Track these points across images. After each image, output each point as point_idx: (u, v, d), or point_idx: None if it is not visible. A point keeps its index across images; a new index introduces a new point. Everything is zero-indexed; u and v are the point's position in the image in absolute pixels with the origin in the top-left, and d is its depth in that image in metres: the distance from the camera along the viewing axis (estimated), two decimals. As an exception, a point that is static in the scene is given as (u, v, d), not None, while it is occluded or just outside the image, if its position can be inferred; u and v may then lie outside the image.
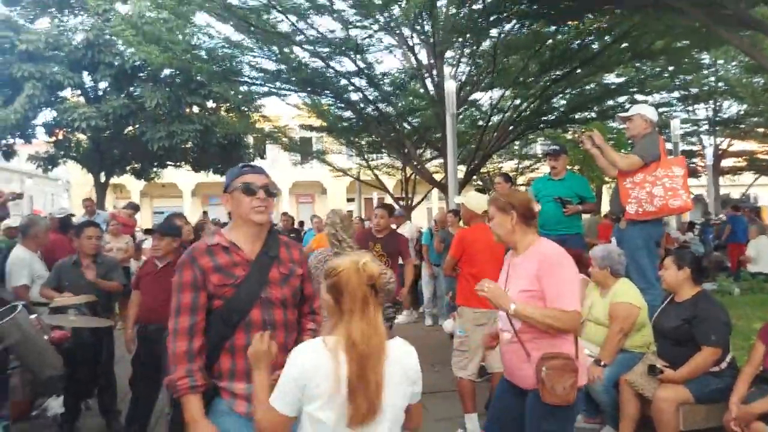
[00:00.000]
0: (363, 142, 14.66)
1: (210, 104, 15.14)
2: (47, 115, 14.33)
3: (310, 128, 14.51)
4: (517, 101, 11.70)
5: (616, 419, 3.56)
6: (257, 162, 18.87)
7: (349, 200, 27.00)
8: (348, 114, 12.78)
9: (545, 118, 12.37)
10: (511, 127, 11.76)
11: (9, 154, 14.44)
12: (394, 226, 8.42)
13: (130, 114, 13.62)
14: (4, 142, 14.00)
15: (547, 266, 2.33)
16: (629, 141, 5.05)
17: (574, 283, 2.38)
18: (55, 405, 3.56)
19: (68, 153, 15.29)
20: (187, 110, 14.42)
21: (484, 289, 2.40)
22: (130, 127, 14.56)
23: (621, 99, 12.20)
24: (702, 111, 19.11)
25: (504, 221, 2.48)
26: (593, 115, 12.51)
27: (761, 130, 18.73)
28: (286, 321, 2.06)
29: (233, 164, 14.20)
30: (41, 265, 4.42)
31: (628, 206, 4.25)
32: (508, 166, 17.80)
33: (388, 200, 15.49)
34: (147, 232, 4.56)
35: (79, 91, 14.42)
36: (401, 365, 1.68)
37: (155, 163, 16.47)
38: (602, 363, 3.60)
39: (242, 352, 1.93)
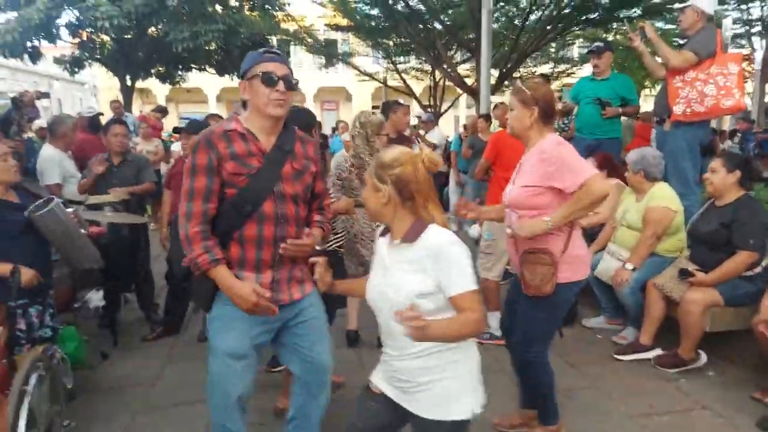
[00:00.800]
0: (391, 43, 14.04)
1: (233, 2, 14.57)
2: (70, 14, 14.02)
3: (336, 28, 13.91)
4: (558, -3, 10.88)
5: (639, 321, 3.59)
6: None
7: (375, 107, 26.46)
8: (376, 12, 12.16)
9: (587, 16, 11.53)
10: (549, 27, 11.05)
11: (35, 55, 14.30)
12: (422, 132, 8.30)
13: (153, 12, 13.21)
14: (29, 43, 13.84)
15: (546, 155, 2.29)
16: (682, 40, 4.67)
17: (577, 157, 2.31)
18: (96, 298, 3.72)
19: (93, 55, 15.12)
20: (210, 9, 13.91)
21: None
22: (154, 28, 14.19)
23: (669, -6, 11.22)
24: (756, 10, 17.54)
25: (523, 115, 2.38)
26: (638, 11, 11.59)
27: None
28: (297, 216, 2.03)
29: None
30: (71, 164, 4.46)
31: (675, 107, 4.00)
32: (543, 70, 16.93)
33: (416, 107, 15.05)
34: (176, 131, 4.51)
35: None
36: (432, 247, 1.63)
37: (180, 66, 16.22)
38: (631, 267, 3.57)
39: (252, 242, 1.94)
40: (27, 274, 2.55)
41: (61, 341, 2.89)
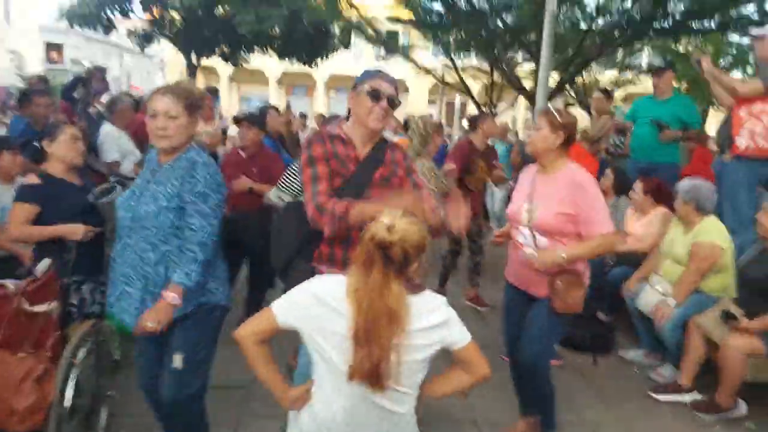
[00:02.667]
0: (450, 40, 13.91)
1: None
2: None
3: (397, 20, 13.90)
4: (628, 3, 10.50)
5: (679, 359, 3.49)
6: (341, 51, 18.59)
7: (430, 102, 26.33)
8: (438, 7, 12.08)
9: (657, 25, 11.07)
10: (616, 33, 10.68)
11: (108, 28, 14.96)
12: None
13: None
14: (104, 14, 14.47)
15: (581, 193, 2.45)
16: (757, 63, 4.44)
17: (604, 205, 2.52)
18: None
19: (162, 31, 15.66)
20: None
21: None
22: (221, 8, 14.58)
23: (749, 8, 10.61)
24: None
25: (549, 138, 2.53)
26: (713, 25, 11.04)
27: None
28: None
29: (318, 53, 14.00)
30: (129, 142, 4.66)
31: (737, 138, 3.83)
32: (607, 77, 16.38)
33: (471, 106, 14.87)
34: (236, 121, 4.64)
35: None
36: (425, 321, 1.58)
37: (243, 47, 16.59)
38: (674, 303, 3.47)
39: (340, 242, 2.13)
40: (78, 229, 2.69)
41: (111, 316, 3.08)
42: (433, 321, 1.59)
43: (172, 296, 2.04)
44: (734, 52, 10.83)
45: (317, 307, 1.58)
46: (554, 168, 2.56)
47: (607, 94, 6.09)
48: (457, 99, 19.77)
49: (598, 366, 3.84)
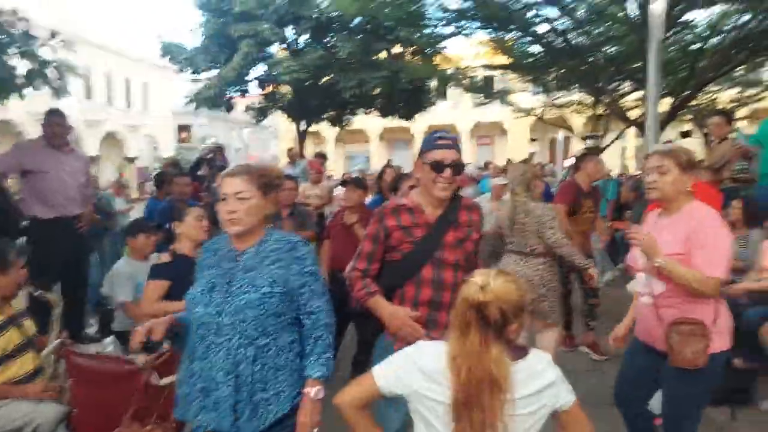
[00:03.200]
0: (550, 78, 13.70)
1: (396, 50, 15.49)
2: (259, 69, 16.13)
3: (492, 67, 14.00)
4: (745, 17, 9.71)
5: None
6: (438, 104, 18.96)
7: (532, 140, 25.81)
8: (534, 48, 12.00)
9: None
10: (733, 51, 9.88)
11: (230, 106, 16.67)
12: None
13: (326, 64, 14.65)
14: (226, 96, 16.16)
15: (696, 230, 2.25)
16: None
17: (722, 245, 2.25)
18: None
19: (275, 104, 17.10)
20: (375, 57, 14.97)
21: (637, 237, 2.31)
22: (326, 78, 15.66)
23: None
24: None
25: (681, 181, 2.34)
26: None
27: None
28: (456, 281, 2.16)
29: (417, 108, 14.46)
30: None
31: None
32: (728, 95, 15.05)
33: (575, 141, 14.41)
34: (343, 184, 4.99)
35: (284, 46, 15.86)
36: (531, 387, 1.54)
37: (347, 110, 17.58)
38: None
39: (410, 302, 2.21)
40: None
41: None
42: (539, 385, 1.54)
43: (316, 390, 1.87)
44: None
45: (418, 376, 1.56)
46: (677, 208, 2.37)
47: (726, 117, 5.62)
48: (560, 135, 19.24)
49: (736, 420, 3.46)
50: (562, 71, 12.42)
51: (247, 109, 17.97)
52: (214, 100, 15.71)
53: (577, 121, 16.47)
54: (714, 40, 10.21)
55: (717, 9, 10.21)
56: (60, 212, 4.40)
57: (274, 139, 33.94)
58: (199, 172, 6.93)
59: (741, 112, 14.29)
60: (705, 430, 3.25)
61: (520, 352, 1.57)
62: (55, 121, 4.46)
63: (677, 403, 2.36)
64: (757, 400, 3.67)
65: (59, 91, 5.82)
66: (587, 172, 4.69)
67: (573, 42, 10.66)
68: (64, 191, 4.41)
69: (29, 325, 2.81)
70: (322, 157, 10.81)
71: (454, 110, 28.72)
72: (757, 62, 13.29)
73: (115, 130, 27.57)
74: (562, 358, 3.57)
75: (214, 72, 15.58)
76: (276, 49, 16.01)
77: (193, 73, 15.89)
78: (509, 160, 12.59)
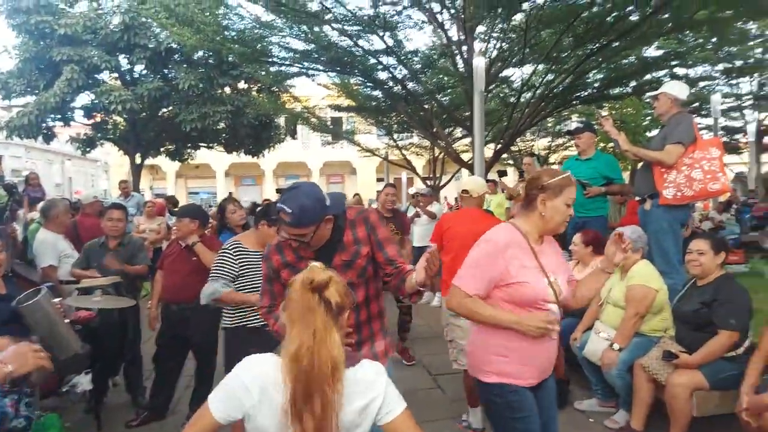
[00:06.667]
0: (392, 122, 14.59)
1: (241, 85, 15.28)
2: (85, 98, 14.81)
3: (339, 108, 14.52)
4: (550, 77, 11.35)
5: (630, 403, 3.51)
6: (288, 142, 19.00)
7: (379, 180, 27.03)
8: (377, 93, 12.71)
9: (579, 94, 11.98)
10: (542, 104, 11.45)
11: (49, 136, 14.93)
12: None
13: (165, 96, 13.93)
14: (44, 124, 14.48)
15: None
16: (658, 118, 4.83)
17: (472, 261, 2.21)
18: (84, 381, 3.68)
19: (105, 135, 15.76)
20: (219, 91, 14.61)
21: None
22: (165, 109, 14.87)
23: (660, 73, 11.70)
24: (746, 85, 18.24)
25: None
26: (629, 90, 12.05)
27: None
28: (367, 296, 2.22)
29: (264, 145, 14.37)
30: (66, 245, 4.59)
31: (664, 191, 4.07)
32: (542, 143, 17.39)
33: (417, 181, 15.39)
34: (171, 213, 4.69)
35: (116, 74, 14.77)
36: (364, 386, 1.51)
37: (189, 145, 16.83)
38: (618, 347, 3.54)
39: None
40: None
41: (41, 430, 2.86)
42: (367, 398, 1.50)
43: None
44: (651, 112, 11.81)
45: (249, 393, 1.46)
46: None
47: (536, 156, 6.47)
48: (404, 175, 20.49)
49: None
50: (401, 116, 13.31)
51: (72, 140, 16.28)
52: (31, 128, 13.98)
53: (419, 162, 17.63)
54: (527, 95, 11.71)
55: (528, 69, 11.82)
56: None
57: (104, 173, 31.08)
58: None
59: (552, 158, 16.46)
60: None
61: (352, 361, 1.55)
62: None
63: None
64: (571, 400, 4.05)
65: None
66: (380, 200, 5.41)
67: (411, 89, 11.49)
68: None
69: None
70: (171, 201, 10.06)
71: (304, 149, 29.04)
72: (563, 115, 15.60)
73: None
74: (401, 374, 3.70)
75: (31, 98, 13.97)
76: (107, 77, 14.87)
77: (5, 99, 14.11)
78: (356, 194, 13.06)
